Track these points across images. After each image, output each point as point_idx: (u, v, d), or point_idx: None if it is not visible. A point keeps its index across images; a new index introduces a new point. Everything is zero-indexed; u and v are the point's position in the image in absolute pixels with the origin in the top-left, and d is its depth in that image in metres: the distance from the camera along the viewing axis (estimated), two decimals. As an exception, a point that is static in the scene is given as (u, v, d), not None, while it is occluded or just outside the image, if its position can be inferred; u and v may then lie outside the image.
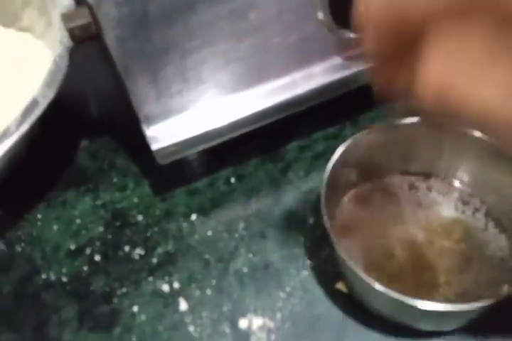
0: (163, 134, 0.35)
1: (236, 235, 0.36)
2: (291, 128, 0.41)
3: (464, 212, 0.35)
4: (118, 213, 0.38)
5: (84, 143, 0.42)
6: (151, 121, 0.35)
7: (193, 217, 0.37)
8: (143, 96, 0.33)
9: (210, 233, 0.36)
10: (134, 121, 0.39)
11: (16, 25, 0.46)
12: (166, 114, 0.35)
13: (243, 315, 0.32)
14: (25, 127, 0.31)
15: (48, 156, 0.41)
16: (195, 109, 0.35)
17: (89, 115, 0.44)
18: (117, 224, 0.37)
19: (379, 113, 0.42)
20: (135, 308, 0.32)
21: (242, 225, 0.36)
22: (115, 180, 0.40)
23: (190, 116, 0.35)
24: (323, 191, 0.31)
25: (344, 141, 0.40)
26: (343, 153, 0.33)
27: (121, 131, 0.42)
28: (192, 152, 0.36)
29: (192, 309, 0.32)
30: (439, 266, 0.32)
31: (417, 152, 0.36)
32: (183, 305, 0.33)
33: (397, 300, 0.27)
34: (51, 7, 0.40)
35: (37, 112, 0.31)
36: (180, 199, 0.38)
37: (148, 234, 0.36)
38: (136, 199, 0.38)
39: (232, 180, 0.39)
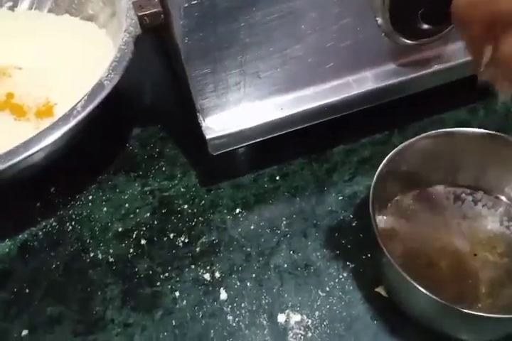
0: (217, 125, 0.36)
1: (278, 231, 0.36)
2: (339, 131, 0.41)
3: (508, 227, 0.35)
4: (165, 201, 0.39)
5: (136, 130, 0.44)
6: (206, 111, 0.36)
7: (237, 210, 0.38)
8: (202, 86, 0.34)
9: (252, 227, 0.37)
10: (186, 112, 0.40)
11: (81, 14, 0.47)
12: (221, 106, 0.36)
13: (281, 309, 0.32)
14: (89, 108, 0.32)
15: (102, 140, 0.42)
16: (249, 103, 0.36)
17: (143, 103, 0.46)
18: (164, 211, 0.38)
19: (427, 123, 0.42)
20: (176, 293, 0.34)
21: (284, 222, 0.37)
22: (164, 168, 0.41)
23: (245, 110, 0.36)
24: (371, 196, 0.31)
25: (391, 147, 0.41)
26: (392, 160, 0.33)
27: (172, 121, 0.44)
28: (243, 144, 0.36)
29: (232, 299, 0.33)
30: (481, 278, 0.33)
31: (465, 164, 0.36)
32: (223, 295, 0.33)
33: (442, 306, 0.27)
34: (117, -2, 0.41)
35: (102, 95, 0.33)
36: (225, 192, 0.39)
37: (193, 223, 0.37)
38: (183, 189, 0.40)
39: (277, 177, 0.40)
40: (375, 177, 0.32)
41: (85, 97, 0.32)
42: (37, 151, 0.33)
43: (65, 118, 0.34)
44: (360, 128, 0.42)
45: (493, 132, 0.34)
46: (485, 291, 0.31)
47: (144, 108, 0.45)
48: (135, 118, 0.45)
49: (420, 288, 0.28)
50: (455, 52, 0.35)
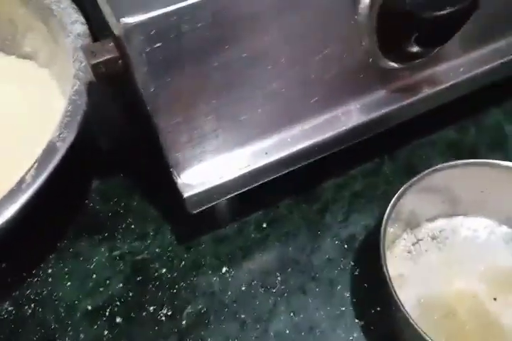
0: (195, 180, 0.31)
1: (273, 290, 0.32)
2: (325, 164, 0.37)
3: (527, 261, 0.32)
4: (138, 266, 0.34)
5: (94, 183, 0.39)
6: (182, 165, 0.31)
7: (224, 269, 0.33)
8: (174, 137, 0.29)
9: (244, 288, 0.32)
10: (153, 159, 0.36)
11: (17, 52, 0.42)
12: (198, 157, 0.31)
13: (291, 388, 0.28)
14: (42, 178, 0.27)
15: (54, 199, 0.37)
16: (230, 151, 0.31)
17: (99, 151, 0.41)
18: (138, 279, 0.33)
19: (417, 146, 0.39)
20: (166, 383, 0.29)
21: (279, 278, 0.32)
22: (133, 226, 0.36)
23: (225, 159, 0.31)
24: (382, 245, 0.28)
25: (383, 177, 0.37)
26: (397, 203, 0.29)
27: (136, 169, 0.39)
28: (226, 197, 0.32)
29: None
30: (503, 325, 0.29)
31: (469, 195, 0.33)
32: (221, 375, 0.29)
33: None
34: (60, 34, 0.36)
35: (55, 160, 0.27)
36: (207, 248, 0.34)
37: (174, 291, 0.32)
38: (157, 249, 0.34)
39: (264, 224, 0.35)
40: (383, 224, 0.28)
41: (35, 165, 0.27)
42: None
43: (11, 195, 0.28)
44: (347, 159, 0.37)
45: (492, 161, 0.31)
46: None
47: (100, 158, 0.40)
48: (91, 169, 0.39)
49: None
50: (447, 73, 0.32)
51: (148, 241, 0.35)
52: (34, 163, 0.27)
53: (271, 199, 0.36)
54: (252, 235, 0.35)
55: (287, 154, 0.32)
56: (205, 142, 0.30)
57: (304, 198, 0.36)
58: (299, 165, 0.33)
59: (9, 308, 0.32)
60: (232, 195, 0.32)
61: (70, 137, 0.28)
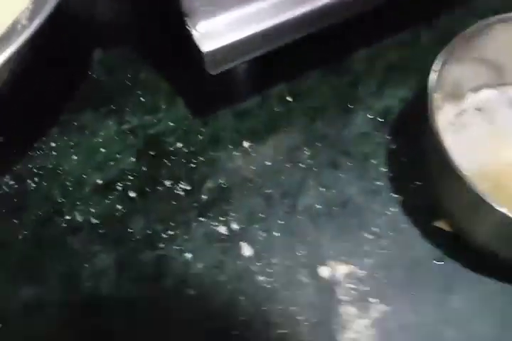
0: (214, 34, 0.27)
1: (301, 165, 0.29)
2: (354, 32, 0.33)
3: None
4: (152, 140, 0.30)
5: (97, 54, 0.34)
6: (198, 14, 0.26)
7: (245, 143, 0.30)
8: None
9: (268, 163, 0.29)
10: (163, 23, 0.31)
11: None
12: (215, 7, 0.27)
13: (323, 261, 0.26)
14: (38, 21, 0.23)
15: (54, 69, 0.33)
16: (250, 2, 0.27)
17: (98, 16, 0.35)
18: (152, 153, 0.30)
19: (459, 15, 0.34)
20: (187, 255, 0.26)
21: (307, 153, 0.29)
22: (142, 99, 0.32)
23: (247, 11, 0.27)
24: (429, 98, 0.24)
25: (420, 49, 0.33)
26: (440, 70, 0.26)
27: (142, 36, 0.34)
28: (250, 56, 0.28)
29: (258, 255, 0.26)
30: None
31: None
32: (246, 251, 0.27)
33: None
34: None
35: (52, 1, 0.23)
36: (226, 122, 0.31)
37: (193, 165, 0.30)
38: (171, 123, 0.31)
39: (288, 98, 0.32)
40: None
41: (30, 5, 0.22)
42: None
43: (6, 36, 0.24)
44: (380, 27, 0.33)
45: None
46: None
47: (101, 22, 0.35)
48: (92, 38, 0.35)
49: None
50: None
51: (161, 115, 0.31)
52: (29, 3, 0.23)
53: (295, 70, 0.32)
54: (276, 109, 0.31)
55: (314, 8, 0.27)
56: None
57: (332, 70, 0.32)
58: (327, 25, 0.28)
59: (10, 182, 0.29)
60: (255, 54, 0.28)
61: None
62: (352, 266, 0.26)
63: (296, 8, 0.27)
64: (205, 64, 0.27)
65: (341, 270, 0.26)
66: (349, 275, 0.26)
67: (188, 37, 0.27)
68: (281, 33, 0.28)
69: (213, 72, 0.28)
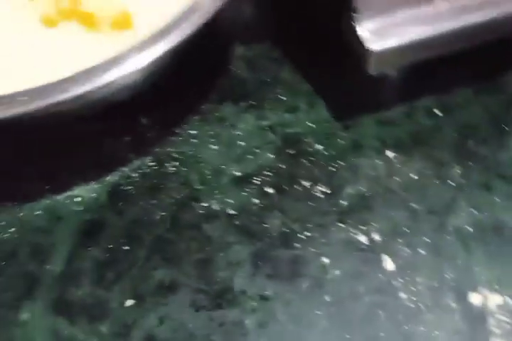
0: (382, 32, 0.26)
1: (452, 183, 0.27)
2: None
3: None
4: (290, 139, 0.30)
5: (239, 49, 0.34)
6: (367, 12, 0.26)
7: (389, 153, 0.29)
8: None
9: (414, 176, 0.28)
10: (308, 20, 0.31)
11: None
12: (381, 8, 0.26)
13: (473, 287, 0.24)
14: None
15: (196, 60, 0.33)
16: (418, 4, 0.26)
17: (244, 11, 0.36)
18: (291, 152, 0.29)
19: None
20: (325, 259, 0.25)
21: (458, 171, 0.28)
22: (282, 97, 0.32)
23: (419, 13, 0.26)
24: None
25: None
26: None
27: (285, 34, 0.34)
28: (412, 62, 0.27)
29: (401, 270, 0.25)
30: None
31: None
32: (388, 264, 0.25)
33: None
34: None
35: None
36: (368, 129, 0.30)
37: (333, 169, 0.28)
38: (311, 124, 0.30)
39: (437, 111, 0.30)
40: None
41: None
42: (132, 71, 0.24)
43: (169, 29, 0.25)
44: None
45: None
46: None
47: (246, 17, 0.35)
48: (236, 33, 0.35)
49: None
50: None
51: (301, 115, 0.31)
52: None
53: (445, 84, 0.31)
54: (423, 121, 0.30)
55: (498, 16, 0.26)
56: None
57: (485, 88, 0.31)
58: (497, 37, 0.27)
59: (150, 163, 0.29)
60: (419, 59, 0.27)
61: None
62: (507, 298, 0.24)
63: (476, 15, 0.26)
64: (366, 63, 0.26)
65: (494, 300, 0.23)
66: (502, 307, 0.23)
67: (346, 34, 0.27)
68: (455, 39, 0.27)
69: (375, 73, 0.27)
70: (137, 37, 0.30)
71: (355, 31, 0.26)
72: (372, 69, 0.26)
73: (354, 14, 0.26)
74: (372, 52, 0.25)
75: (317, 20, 0.31)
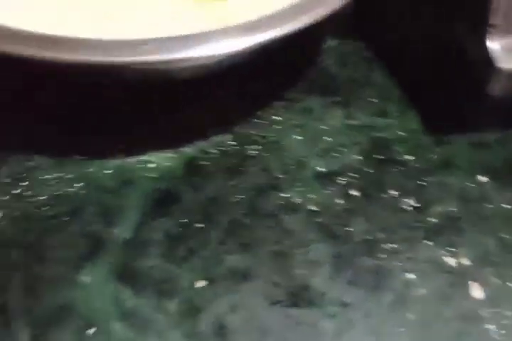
0: (508, 53, 0.25)
1: (544, 217, 0.26)
2: None
3: None
4: (380, 143, 0.28)
5: (332, 42, 0.33)
6: (503, 29, 0.24)
7: (481, 177, 0.27)
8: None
9: (507, 206, 0.26)
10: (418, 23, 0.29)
11: None
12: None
13: None
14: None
15: (290, 49, 0.31)
16: None
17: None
18: (380, 157, 0.27)
19: None
20: (411, 276, 0.23)
21: (552, 206, 0.27)
22: (373, 99, 0.30)
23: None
24: None
25: None
26: None
27: (380, 39, 0.33)
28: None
29: (490, 301, 0.23)
30: None
31: None
32: (476, 292, 0.23)
33: None
34: None
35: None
36: (461, 148, 0.28)
37: (423, 183, 0.27)
38: (401, 133, 0.29)
39: (535, 143, 0.29)
40: None
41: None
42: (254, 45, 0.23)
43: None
44: None
45: None
46: None
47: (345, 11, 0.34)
48: (331, 26, 0.33)
49: None
50: None
51: (390, 121, 0.29)
52: None
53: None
54: (518, 150, 0.29)
55: None
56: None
57: None
58: None
59: (232, 142, 0.27)
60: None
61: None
62: None
63: None
64: (491, 82, 0.25)
65: None
66: None
67: (471, 50, 0.26)
68: None
69: (499, 94, 0.25)
70: (231, 10, 0.28)
71: (485, 48, 0.25)
72: (497, 89, 0.25)
73: (489, 30, 0.24)
74: (501, 71, 0.24)
75: (431, 28, 0.30)
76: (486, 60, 0.25)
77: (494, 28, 0.25)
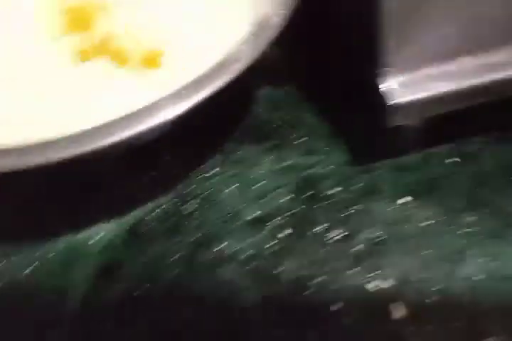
0: (404, 88, 0.27)
1: (463, 231, 0.28)
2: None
3: None
4: (309, 181, 0.31)
5: (264, 89, 0.36)
6: (394, 68, 0.27)
7: (404, 199, 0.30)
8: (392, 39, 0.26)
9: (427, 223, 0.29)
10: (336, 64, 0.32)
11: None
12: (407, 65, 0.27)
13: (483, 338, 0.25)
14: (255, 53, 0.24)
15: (223, 102, 0.34)
16: (451, 60, 0.27)
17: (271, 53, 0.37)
18: (309, 193, 0.30)
19: None
20: (335, 307, 0.26)
21: (470, 219, 0.29)
22: (303, 139, 0.33)
23: (441, 70, 0.27)
24: None
25: None
26: None
27: (310, 81, 0.35)
28: (432, 114, 0.28)
29: (412, 318, 0.26)
30: None
31: None
32: (397, 312, 0.26)
33: None
34: None
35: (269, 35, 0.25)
36: (386, 174, 0.31)
37: (351, 211, 0.30)
38: (331, 166, 0.32)
39: (452, 159, 0.31)
40: None
41: (251, 36, 0.24)
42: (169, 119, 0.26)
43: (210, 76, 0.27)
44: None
45: None
46: None
47: (273, 59, 0.37)
48: (262, 74, 0.36)
49: None
50: None
51: (321, 157, 0.32)
52: (250, 33, 0.24)
53: (460, 134, 0.32)
54: (438, 168, 0.31)
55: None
56: (418, 47, 0.26)
57: (497, 139, 0.32)
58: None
59: (170, 203, 0.30)
60: (436, 113, 0.28)
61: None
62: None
63: (498, 72, 0.27)
64: (386, 116, 0.28)
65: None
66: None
67: (370, 86, 0.28)
68: (470, 96, 0.28)
69: (392, 125, 0.28)
70: (163, 76, 0.31)
71: (378, 85, 0.27)
72: (391, 122, 0.27)
73: (380, 69, 0.27)
74: (392, 106, 0.27)
75: (343, 69, 0.32)
76: (379, 96, 0.27)
77: (385, 67, 0.27)
